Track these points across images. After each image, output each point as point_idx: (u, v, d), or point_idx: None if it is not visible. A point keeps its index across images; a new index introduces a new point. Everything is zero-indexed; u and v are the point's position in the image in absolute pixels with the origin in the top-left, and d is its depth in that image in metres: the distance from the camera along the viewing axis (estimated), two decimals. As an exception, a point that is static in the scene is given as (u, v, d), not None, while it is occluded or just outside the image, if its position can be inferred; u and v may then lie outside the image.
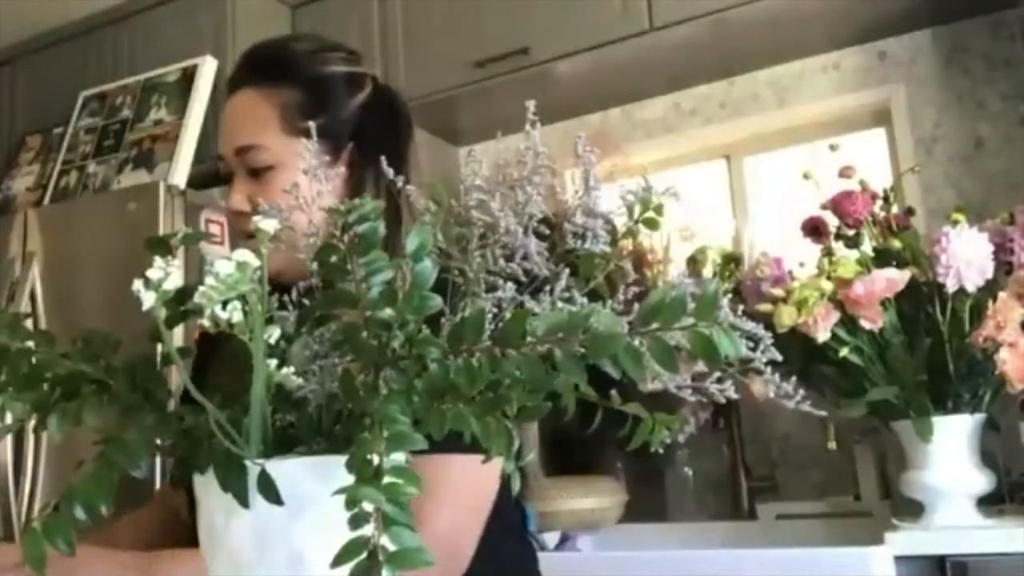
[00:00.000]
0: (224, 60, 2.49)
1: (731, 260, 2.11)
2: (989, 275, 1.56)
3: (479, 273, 0.60)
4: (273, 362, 0.55)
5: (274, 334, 0.56)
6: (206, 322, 0.53)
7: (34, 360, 0.58)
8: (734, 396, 0.57)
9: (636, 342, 0.50)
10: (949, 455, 1.56)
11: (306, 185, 0.62)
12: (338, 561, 0.44)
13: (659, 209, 0.62)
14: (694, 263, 2.10)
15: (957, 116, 2.19)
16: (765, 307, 1.63)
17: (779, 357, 0.54)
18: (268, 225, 0.56)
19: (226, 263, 0.52)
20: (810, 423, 2.05)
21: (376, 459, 0.46)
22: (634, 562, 1.68)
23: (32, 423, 0.57)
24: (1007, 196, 2.03)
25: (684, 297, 0.50)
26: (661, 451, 0.61)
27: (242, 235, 1.02)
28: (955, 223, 1.59)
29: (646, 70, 2.37)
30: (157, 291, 0.53)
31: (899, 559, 1.45)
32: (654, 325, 0.50)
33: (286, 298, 0.61)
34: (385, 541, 0.44)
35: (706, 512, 2.24)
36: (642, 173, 0.64)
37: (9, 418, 0.57)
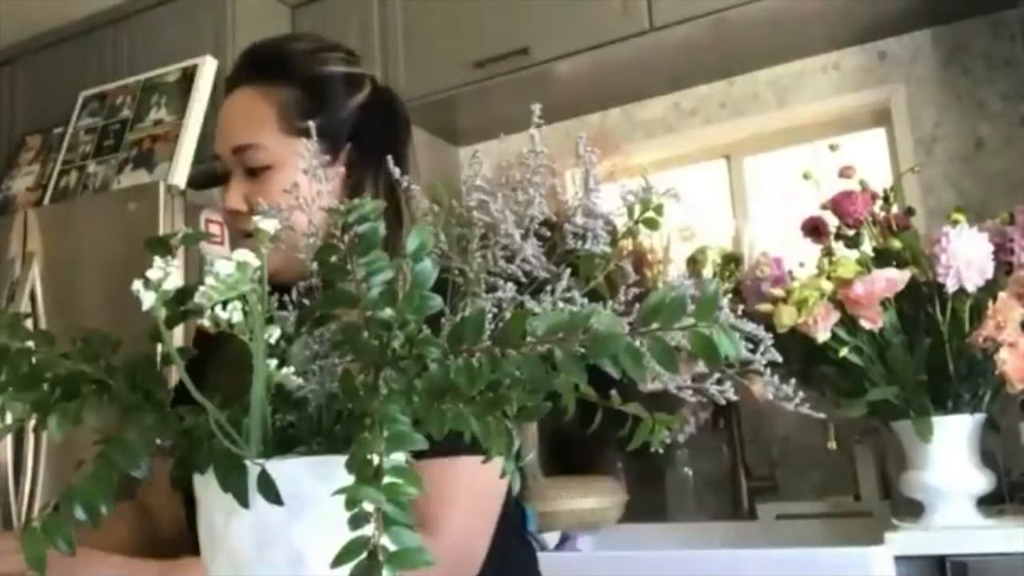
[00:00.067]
0: (224, 60, 2.49)
1: (731, 260, 2.11)
2: (989, 275, 1.56)
3: (479, 273, 0.60)
4: (273, 362, 0.55)
5: (274, 334, 0.56)
6: (206, 322, 0.54)
7: (34, 360, 0.58)
8: (734, 397, 0.57)
9: (636, 342, 0.50)
10: (949, 455, 1.56)
11: (305, 185, 0.62)
12: (338, 561, 0.44)
13: (659, 209, 0.62)
14: (694, 263, 2.10)
15: (957, 116, 2.19)
16: (765, 307, 1.63)
17: (779, 358, 0.54)
18: (268, 225, 0.56)
19: (226, 263, 0.52)
20: (810, 423, 2.05)
21: (376, 459, 0.46)
22: (634, 562, 1.68)
23: (32, 423, 0.57)
24: (1007, 196, 2.03)
25: (684, 297, 0.50)
26: (661, 451, 0.61)
27: (238, 234, 1.01)
28: (955, 223, 1.59)
29: (646, 70, 2.37)
30: (157, 291, 0.53)
31: (899, 559, 1.45)
32: (654, 325, 0.50)
33: (286, 298, 0.61)
34: (385, 541, 0.44)
35: (706, 512, 2.24)
36: (642, 173, 0.64)
37: (9, 418, 0.57)
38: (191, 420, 0.56)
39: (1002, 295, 1.51)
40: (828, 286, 1.60)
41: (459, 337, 0.52)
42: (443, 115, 2.52)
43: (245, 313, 0.53)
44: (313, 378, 0.57)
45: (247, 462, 0.52)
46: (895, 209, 1.75)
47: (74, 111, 2.69)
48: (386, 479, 0.45)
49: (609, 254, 0.62)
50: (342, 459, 0.47)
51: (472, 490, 0.85)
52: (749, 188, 2.49)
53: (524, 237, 0.60)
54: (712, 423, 2.15)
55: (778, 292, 1.65)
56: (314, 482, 0.52)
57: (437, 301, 0.54)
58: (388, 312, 0.52)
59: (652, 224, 0.62)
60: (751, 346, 0.53)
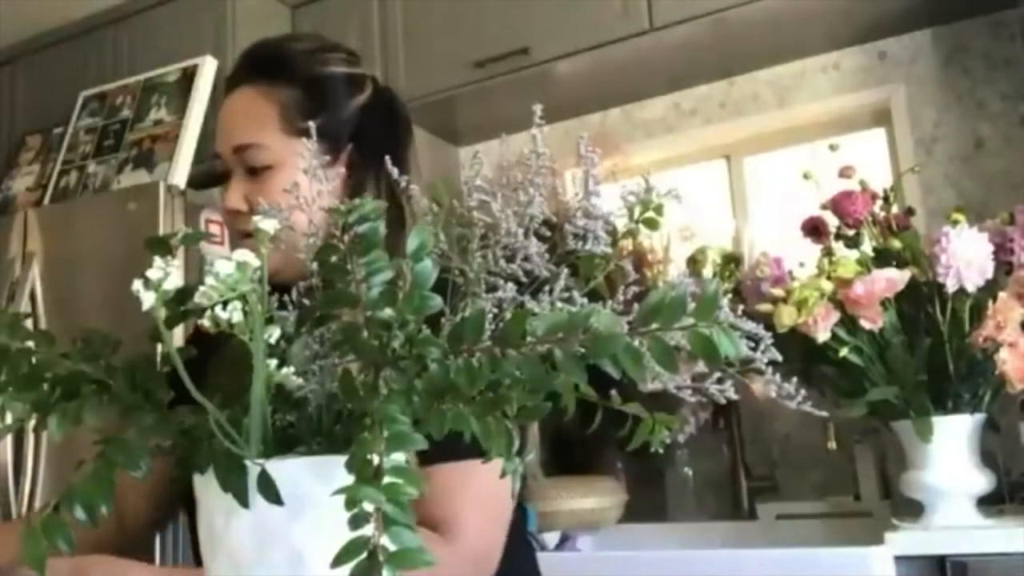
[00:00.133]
0: (224, 60, 2.49)
1: (731, 260, 2.11)
2: (989, 275, 1.56)
3: (479, 273, 0.60)
4: (273, 362, 0.55)
5: (274, 334, 0.56)
6: (206, 322, 0.54)
7: (34, 360, 0.58)
8: (734, 396, 0.57)
9: (636, 342, 0.50)
10: (949, 455, 1.56)
11: (306, 185, 0.62)
12: (338, 561, 0.44)
13: (659, 209, 0.62)
14: (694, 263, 2.10)
15: (957, 116, 2.19)
16: (765, 307, 1.63)
17: (779, 357, 0.54)
18: (267, 225, 0.56)
19: (226, 263, 0.52)
20: (810, 423, 2.05)
21: (376, 459, 0.46)
22: (634, 562, 1.68)
23: (32, 423, 0.57)
24: (1007, 196, 2.03)
25: (684, 297, 0.50)
26: (661, 451, 0.61)
27: (238, 234, 1.01)
28: (955, 223, 1.59)
29: (646, 70, 2.37)
30: (157, 291, 0.53)
31: (899, 559, 1.45)
32: (654, 325, 0.50)
33: (286, 298, 0.61)
34: (385, 541, 0.44)
35: (706, 512, 2.24)
36: (642, 173, 0.64)
37: (9, 418, 0.57)
38: (191, 420, 0.56)
39: (1002, 295, 1.51)
40: (828, 286, 1.60)
41: (459, 337, 0.52)
42: (443, 115, 2.52)
43: (245, 313, 0.53)
44: (313, 378, 0.57)
45: (247, 462, 0.52)
46: (895, 209, 1.75)
47: (74, 111, 2.69)
48: (386, 479, 0.45)
49: (609, 254, 0.62)
50: (342, 459, 0.47)
51: (486, 494, 0.85)
52: (749, 188, 2.49)
53: (525, 237, 0.60)
54: (712, 423, 2.15)
55: (778, 292, 1.65)
56: (314, 482, 0.52)
57: (437, 301, 0.54)
58: (388, 312, 0.52)
59: (652, 224, 0.62)
60: (752, 345, 0.53)
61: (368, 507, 0.44)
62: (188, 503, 0.92)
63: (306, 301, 0.60)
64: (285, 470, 0.52)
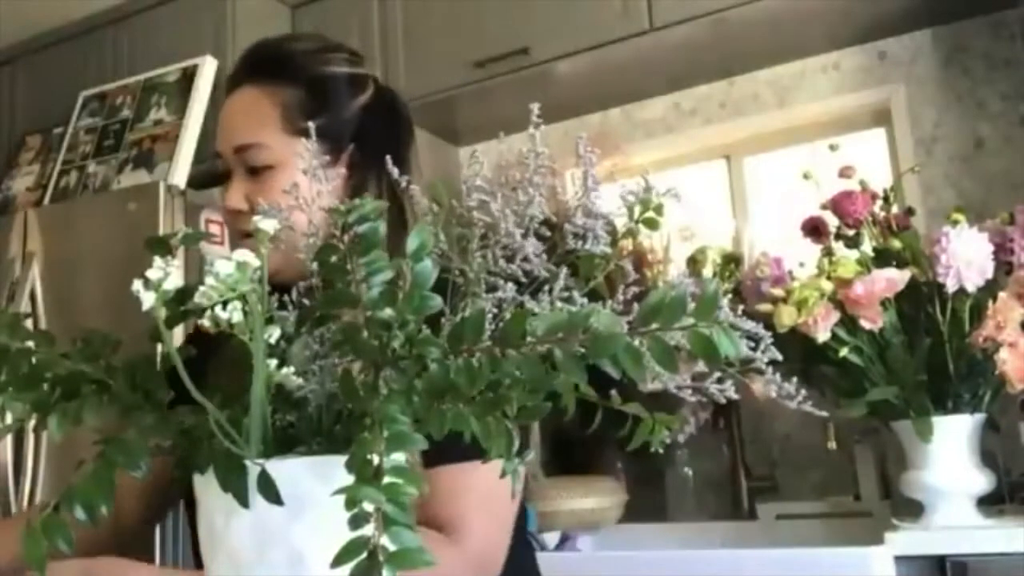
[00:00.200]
0: (224, 60, 2.49)
1: (731, 260, 2.11)
2: (989, 275, 1.56)
3: (479, 273, 0.60)
4: (273, 362, 0.55)
5: (274, 334, 0.56)
6: (206, 322, 0.54)
7: (34, 360, 0.58)
8: (734, 396, 0.57)
9: (636, 342, 0.50)
10: (949, 455, 1.56)
11: (306, 185, 0.62)
12: (338, 561, 0.44)
13: (659, 209, 0.62)
14: (694, 263, 2.10)
15: (957, 116, 2.19)
16: (765, 307, 1.63)
17: (779, 357, 0.54)
18: (267, 225, 0.56)
19: (226, 263, 0.52)
20: (810, 423, 2.05)
21: (376, 459, 0.46)
22: (634, 562, 1.68)
23: (32, 423, 0.57)
24: (1007, 196, 2.03)
25: (684, 297, 0.50)
26: (661, 451, 0.61)
27: (238, 234, 1.01)
28: (955, 223, 1.59)
29: (646, 70, 2.37)
30: (157, 291, 0.53)
31: (899, 559, 1.45)
32: (654, 325, 0.50)
33: (286, 298, 0.61)
34: (385, 541, 0.44)
35: (706, 512, 2.24)
36: (642, 173, 0.64)
37: (9, 418, 0.57)
38: (191, 420, 0.56)
39: (1002, 295, 1.51)
40: (828, 286, 1.60)
41: (459, 337, 0.52)
42: (443, 115, 2.52)
43: (245, 313, 0.53)
44: (313, 378, 0.57)
45: (247, 462, 0.52)
46: (895, 209, 1.75)
47: (74, 111, 2.69)
48: (386, 479, 0.45)
49: (609, 254, 0.62)
50: (342, 459, 0.47)
51: (490, 495, 0.85)
52: (749, 188, 2.49)
53: (524, 237, 0.60)
54: (712, 423, 2.15)
55: (778, 292, 1.65)
56: (314, 482, 0.52)
57: (437, 301, 0.54)
58: (388, 312, 0.52)
59: (652, 224, 0.62)
60: (751, 345, 0.53)
61: (368, 507, 0.44)
62: (189, 503, 0.92)
63: (306, 301, 0.60)
64: (285, 470, 0.52)
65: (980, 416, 1.59)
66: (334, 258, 0.54)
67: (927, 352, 1.58)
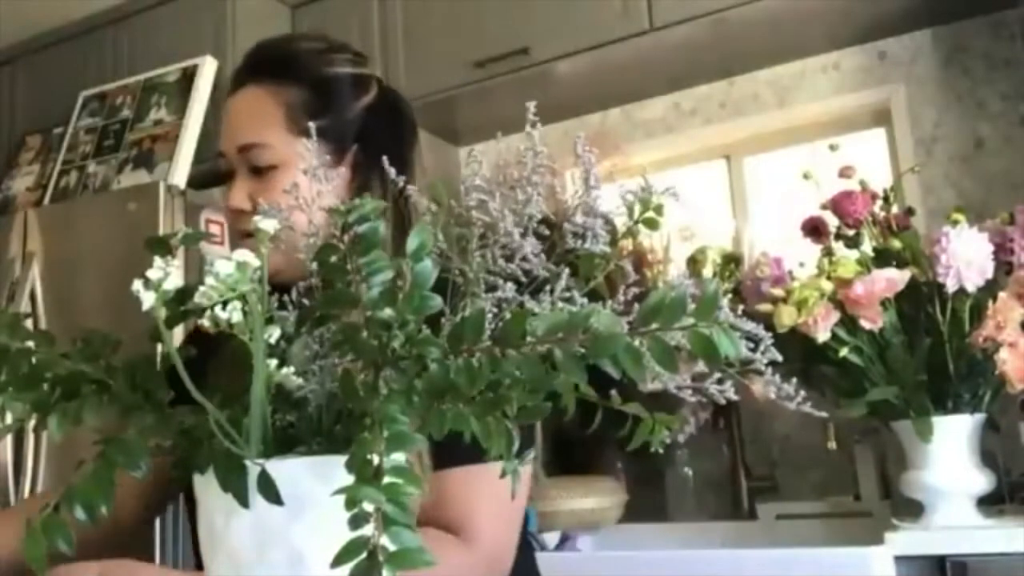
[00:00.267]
0: (224, 60, 2.49)
1: (731, 260, 2.11)
2: (989, 275, 1.56)
3: (479, 273, 0.60)
4: (273, 362, 0.55)
5: (274, 334, 0.56)
6: (206, 322, 0.54)
7: (34, 360, 0.58)
8: (734, 397, 0.57)
9: (636, 342, 0.50)
10: (949, 455, 1.56)
11: (307, 185, 0.62)
12: (338, 561, 0.44)
13: (659, 209, 0.62)
14: (694, 263, 2.10)
15: (957, 116, 2.19)
16: (765, 307, 1.63)
17: (779, 357, 0.54)
18: (268, 225, 0.56)
19: (226, 263, 0.52)
20: (810, 423, 2.05)
21: (376, 459, 0.46)
22: (634, 562, 1.68)
23: (32, 423, 0.57)
24: (1007, 196, 2.03)
25: (684, 297, 0.50)
26: (661, 451, 0.61)
27: (240, 234, 1.01)
28: (955, 223, 1.59)
29: (646, 70, 2.37)
30: (157, 291, 0.53)
31: (899, 559, 1.45)
32: (654, 325, 0.50)
33: (286, 298, 0.61)
34: (385, 541, 0.44)
35: (706, 512, 2.24)
36: (642, 173, 0.64)
37: (9, 418, 0.57)
38: (191, 420, 0.56)
39: (1002, 295, 1.51)
40: (828, 286, 1.60)
41: (459, 337, 0.52)
42: (443, 115, 2.52)
43: (245, 313, 0.53)
44: (313, 378, 0.57)
45: (247, 462, 0.52)
46: (895, 209, 1.75)
47: (74, 111, 2.69)
48: (386, 479, 0.45)
49: (609, 254, 0.62)
50: (342, 459, 0.47)
51: (500, 497, 0.86)
52: (749, 188, 2.49)
53: (523, 236, 0.60)
54: (712, 423, 2.15)
55: (778, 292, 1.65)
56: (314, 482, 0.52)
57: (437, 301, 0.54)
58: (388, 312, 0.52)
59: (652, 224, 0.62)
60: (751, 345, 0.53)
61: (368, 507, 0.44)
62: (189, 498, 0.92)
63: (306, 301, 0.60)
64: (285, 470, 0.52)
65: (980, 416, 1.59)
66: (334, 258, 0.54)
67: (927, 352, 1.58)
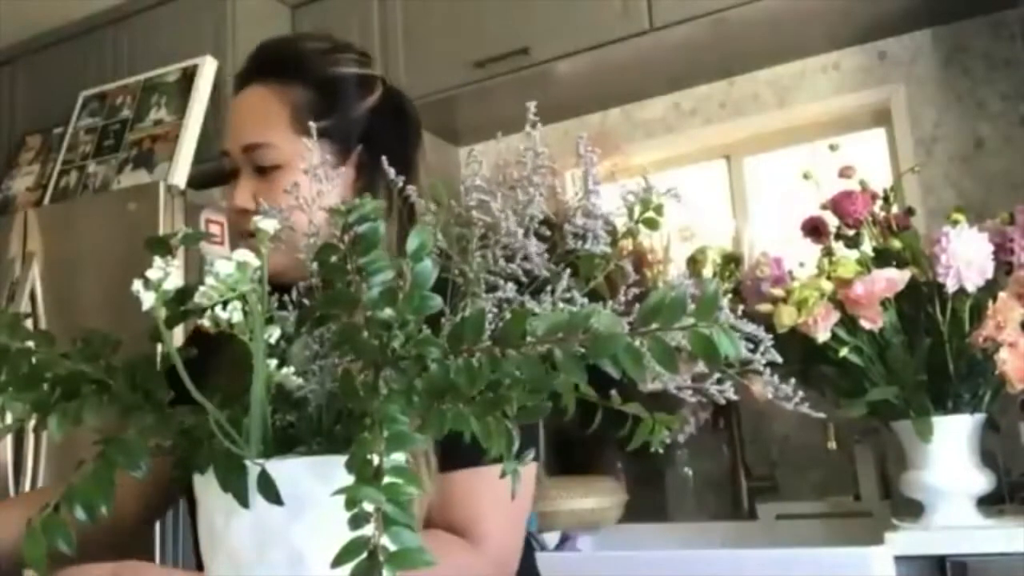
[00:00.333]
0: (224, 60, 2.49)
1: (731, 260, 2.11)
2: (989, 275, 1.56)
3: (479, 273, 0.60)
4: (273, 362, 0.55)
5: (274, 334, 0.56)
6: (206, 322, 0.54)
7: (34, 360, 0.58)
8: (734, 397, 0.57)
9: (636, 342, 0.50)
10: (949, 455, 1.56)
11: (308, 185, 0.62)
12: (338, 561, 0.44)
13: (659, 209, 0.62)
14: (694, 263, 2.10)
15: (957, 116, 2.19)
16: (765, 307, 1.63)
17: (779, 358, 0.54)
18: (268, 225, 0.56)
19: (226, 263, 0.52)
20: (810, 423, 2.05)
21: (376, 459, 0.46)
22: (634, 562, 1.68)
23: (32, 423, 0.57)
24: (1007, 196, 2.03)
25: (684, 297, 0.50)
26: (661, 451, 0.61)
27: (243, 234, 1.01)
28: (955, 223, 1.59)
29: (646, 70, 2.37)
30: (157, 291, 0.53)
31: (899, 559, 1.45)
32: (654, 325, 0.50)
33: (286, 298, 0.61)
34: (385, 541, 0.44)
35: (706, 512, 2.24)
36: (642, 173, 0.64)
37: (9, 418, 0.57)
38: (191, 420, 0.56)
39: (1002, 295, 1.51)
40: (828, 286, 1.60)
41: (459, 337, 0.52)
42: (443, 115, 2.52)
43: (245, 313, 0.53)
44: (313, 378, 0.57)
45: (247, 462, 0.52)
46: (895, 209, 1.75)
47: (74, 111, 2.69)
48: (386, 479, 0.45)
49: (609, 254, 0.62)
50: (342, 459, 0.47)
51: (506, 498, 0.86)
52: (749, 188, 2.49)
53: (524, 236, 0.60)
54: (712, 423, 2.15)
55: (778, 292, 1.65)
56: (314, 482, 0.52)
57: (437, 301, 0.54)
58: (388, 312, 0.52)
59: (652, 224, 0.62)
60: (751, 346, 0.53)
61: (368, 507, 0.44)
62: (190, 497, 0.92)
63: (306, 301, 0.60)
64: (285, 470, 0.52)
65: (980, 416, 1.59)
66: (334, 258, 0.54)
67: (927, 352, 1.58)
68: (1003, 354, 1.47)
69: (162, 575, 0.81)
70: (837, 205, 1.70)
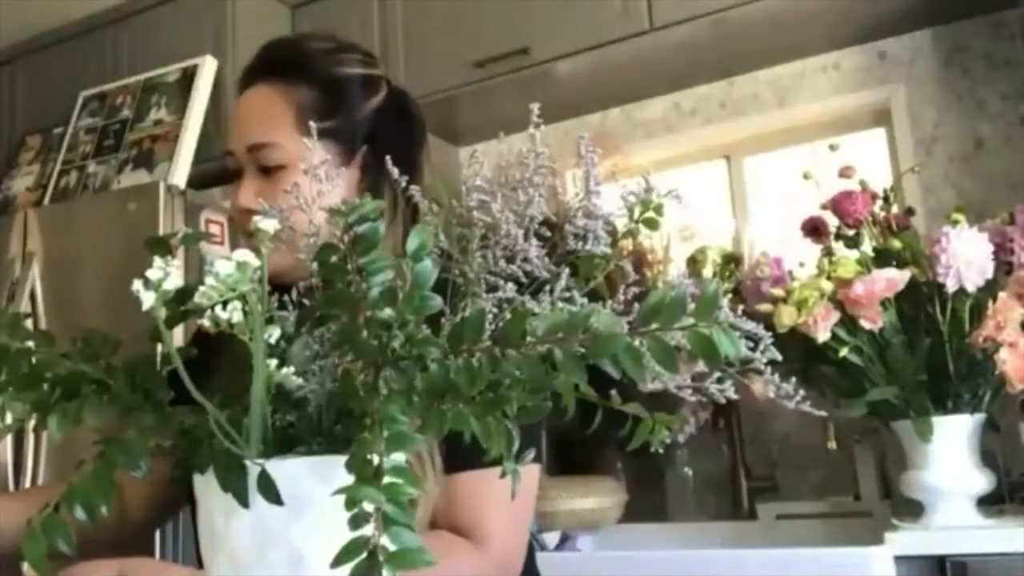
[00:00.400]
0: (224, 60, 2.49)
1: (731, 260, 2.11)
2: (989, 275, 1.56)
3: (480, 273, 0.60)
4: (273, 362, 0.55)
5: (274, 334, 0.56)
6: (206, 322, 0.54)
7: (34, 360, 0.58)
8: (734, 396, 0.57)
9: (636, 342, 0.50)
10: (949, 455, 1.56)
11: (314, 185, 0.62)
12: (338, 561, 0.44)
13: (659, 209, 0.62)
14: (694, 263, 2.10)
15: (957, 116, 2.19)
16: (765, 307, 1.63)
17: (779, 357, 0.54)
18: (268, 225, 0.56)
19: (226, 263, 0.52)
20: (810, 423, 2.05)
21: (376, 459, 0.46)
22: (634, 562, 1.68)
23: (32, 423, 0.57)
24: (1007, 196, 2.03)
25: (684, 297, 0.50)
26: (661, 451, 0.61)
27: (247, 234, 1.01)
28: (955, 223, 1.59)
29: (646, 70, 2.37)
30: (157, 291, 0.53)
31: (899, 559, 1.45)
32: (654, 325, 0.50)
33: (286, 298, 0.61)
34: (385, 541, 0.44)
35: (706, 512, 2.24)
36: (642, 173, 0.64)
37: (9, 418, 0.57)
38: (191, 420, 0.56)
39: (1002, 295, 1.51)
40: (828, 286, 1.60)
41: (459, 337, 0.52)
42: (443, 115, 2.52)
43: (245, 313, 0.53)
44: (313, 378, 0.57)
45: (247, 462, 0.52)
46: (895, 209, 1.75)
47: (74, 111, 2.69)
48: (386, 479, 0.45)
49: (609, 254, 0.62)
50: (342, 459, 0.47)
51: (511, 501, 0.87)
52: (749, 188, 2.49)
53: (524, 237, 0.60)
54: (712, 423, 2.15)
55: (778, 292, 1.65)
56: (314, 482, 0.52)
57: (437, 301, 0.54)
58: (388, 312, 0.52)
59: (652, 224, 0.62)
60: (751, 345, 0.53)
61: (368, 507, 0.44)
62: (190, 502, 0.92)
63: (306, 301, 0.60)
64: (285, 470, 0.52)
65: (980, 416, 1.59)
66: (334, 258, 0.54)
67: (927, 352, 1.58)
68: (1003, 354, 1.47)
69: (167, 571, 0.81)
70: (837, 205, 1.70)
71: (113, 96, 2.64)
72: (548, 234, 0.62)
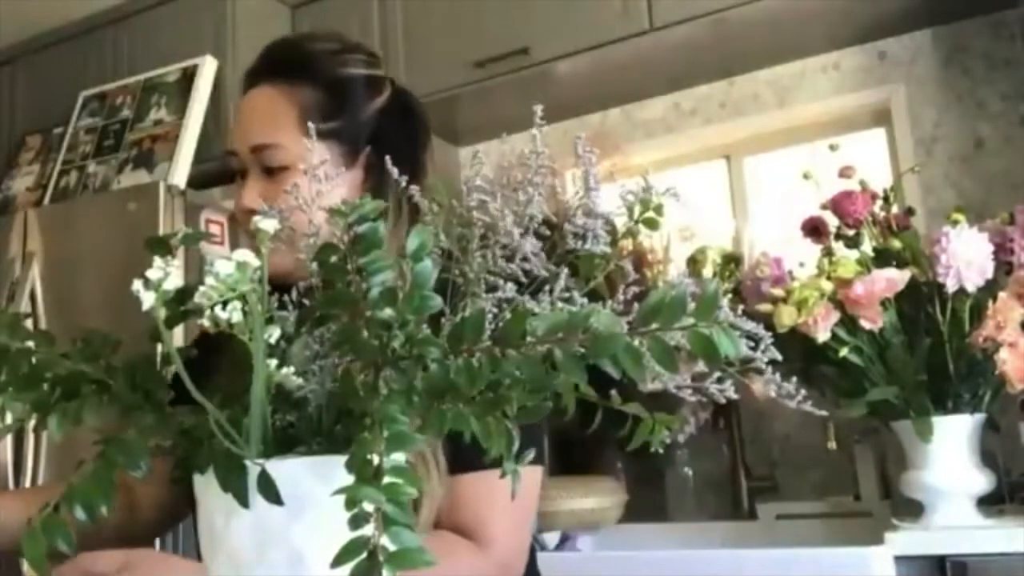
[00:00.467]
0: (224, 60, 2.49)
1: (731, 260, 2.11)
2: (989, 275, 1.56)
3: (480, 273, 0.60)
4: (273, 362, 0.55)
5: (274, 334, 0.56)
6: (206, 322, 0.54)
7: (34, 360, 0.58)
8: (734, 396, 0.57)
9: (636, 342, 0.50)
10: (949, 455, 1.56)
11: (310, 186, 0.62)
12: (338, 561, 0.44)
13: (659, 209, 0.62)
14: (694, 263, 2.10)
15: (957, 116, 2.19)
16: (765, 307, 1.63)
17: (779, 357, 0.54)
18: (268, 225, 0.56)
19: (226, 263, 0.52)
20: (810, 423, 2.05)
21: (376, 459, 0.46)
22: (634, 562, 1.68)
23: (32, 423, 0.57)
24: (1007, 196, 2.03)
25: (684, 297, 0.50)
26: (661, 451, 0.61)
27: (250, 234, 1.00)
28: (955, 223, 1.59)
29: (646, 70, 2.37)
30: (157, 291, 0.53)
31: (899, 559, 1.45)
32: (654, 325, 0.50)
33: (286, 298, 0.61)
34: (385, 541, 0.44)
35: (706, 512, 2.24)
36: (642, 173, 0.64)
37: (9, 418, 0.57)
38: (191, 420, 0.56)
39: (1002, 295, 1.51)
40: (828, 286, 1.60)
41: (459, 337, 0.52)
42: (443, 115, 2.52)
43: (245, 313, 0.53)
44: (313, 378, 0.57)
45: (247, 462, 0.52)
46: (895, 209, 1.75)
47: (74, 111, 2.69)
48: (386, 479, 0.45)
49: (609, 254, 0.62)
50: (342, 459, 0.47)
51: (514, 502, 0.87)
52: (749, 188, 2.49)
53: (523, 236, 0.60)
54: (712, 423, 2.15)
55: (778, 292, 1.65)
56: (314, 482, 0.52)
57: (437, 301, 0.53)
58: (388, 312, 0.52)
59: (652, 224, 0.62)
60: (751, 345, 0.53)
61: (368, 507, 0.44)
62: (191, 502, 0.92)
63: (306, 301, 0.60)
64: (285, 470, 0.52)
65: (980, 416, 1.59)
66: (334, 258, 0.54)
67: (927, 352, 1.58)
68: (1003, 354, 1.47)
69: (171, 564, 0.81)
70: (837, 205, 1.70)
71: (113, 96, 2.64)
72: (548, 233, 0.62)
